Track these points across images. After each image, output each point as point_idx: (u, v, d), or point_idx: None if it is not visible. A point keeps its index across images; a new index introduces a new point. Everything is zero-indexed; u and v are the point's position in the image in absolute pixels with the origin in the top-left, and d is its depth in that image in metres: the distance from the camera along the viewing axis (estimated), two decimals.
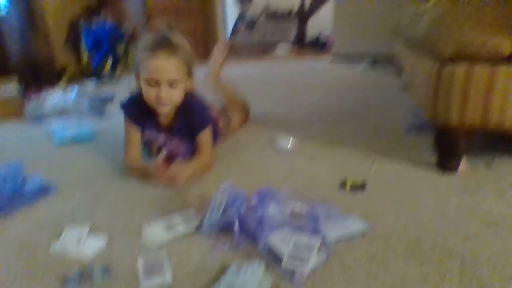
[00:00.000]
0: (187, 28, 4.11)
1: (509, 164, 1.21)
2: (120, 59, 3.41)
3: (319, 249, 0.81)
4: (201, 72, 1.60)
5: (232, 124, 1.64)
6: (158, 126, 1.34)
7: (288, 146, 1.47)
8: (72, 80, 3.14)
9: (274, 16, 5.57)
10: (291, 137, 1.50)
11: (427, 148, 1.33)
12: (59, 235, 0.95)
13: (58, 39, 3.32)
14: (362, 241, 0.87)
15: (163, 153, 1.27)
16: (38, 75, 3.02)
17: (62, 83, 2.99)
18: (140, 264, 0.83)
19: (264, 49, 4.96)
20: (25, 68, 2.98)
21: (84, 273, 0.81)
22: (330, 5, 4.32)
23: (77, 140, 1.71)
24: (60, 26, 3.33)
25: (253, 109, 1.90)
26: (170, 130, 1.34)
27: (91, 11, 3.46)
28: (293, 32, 5.37)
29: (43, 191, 1.20)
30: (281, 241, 0.84)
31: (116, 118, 1.94)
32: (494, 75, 1.03)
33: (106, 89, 2.84)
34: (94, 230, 0.97)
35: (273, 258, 0.81)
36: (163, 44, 1.19)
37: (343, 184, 1.15)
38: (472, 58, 1.04)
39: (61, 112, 2.17)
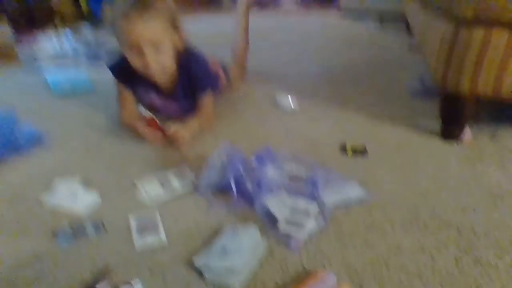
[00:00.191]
0: None
1: None
2: None
3: (316, 215, 0.80)
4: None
5: (232, 80, 1.58)
6: (154, 87, 1.25)
7: (289, 106, 1.43)
8: (68, 23, 3.00)
9: None
10: (293, 97, 1.46)
11: (432, 115, 1.29)
12: (51, 188, 0.94)
13: None
14: (360, 208, 0.85)
15: (148, 113, 1.18)
16: (31, 17, 2.89)
17: (57, 26, 2.86)
18: (133, 221, 0.82)
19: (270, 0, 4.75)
20: (17, 9, 2.84)
21: (77, 228, 0.80)
22: None
23: (74, 91, 1.66)
24: None
25: (255, 65, 1.83)
26: (171, 92, 1.26)
27: None
28: None
29: (35, 141, 1.17)
30: (279, 205, 0.83)
31: None
32: None
33: (105, 34, 2.71)
34: (87, 184, 0.96)
35: (269, 222, 0.80)
36: (137, 5, 1.07)
37: (343, 148, 1.12)
38: (491, 22, 0.98)
39: (57, 59, 2.09)
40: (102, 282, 0.65)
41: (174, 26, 1.16)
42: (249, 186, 0.88)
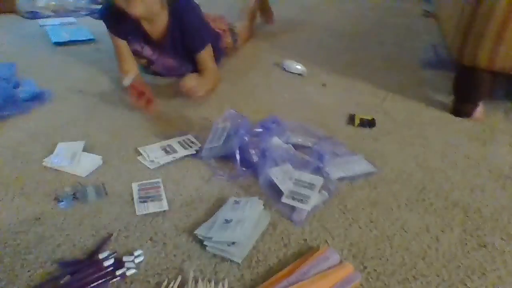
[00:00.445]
0: None
1: None
2: None
3: (321, 188, 0.79)
4: None
5: (239, 42, 1.52)
6: (145, 38, 1.20)
7: (297, 71, 1.38)
8: None
9: None
10: (299, 61, 1.40)
11: (444, 88, 1.25)
12: (52, 148, 0.92)
13: None
14: (366, 184, 0.84)
15: (130, 77, 1.11)
16: None
17: None
18: (135, 188, 0.80)
19: None
20: None
21: (78, 191, 0.79)
22: None
23: (75, 42, 1.61)
24: None
25: (261, 27, 1.76)
26: (161, 43, 1.21)
27: None
28: None
29: (36, 98, 1.13)
30: (283, 176, 0.81)
31: None
32: None
33: None
34: (88, 147, 0.94)
35: (272, 194, 0.79)
36: None
37: (351, 119, 1.09)
38: None
39: (57, 8, 2.01)
40: (105, 251, 0.65)
41: None
42: (253, 156, 0.86)
